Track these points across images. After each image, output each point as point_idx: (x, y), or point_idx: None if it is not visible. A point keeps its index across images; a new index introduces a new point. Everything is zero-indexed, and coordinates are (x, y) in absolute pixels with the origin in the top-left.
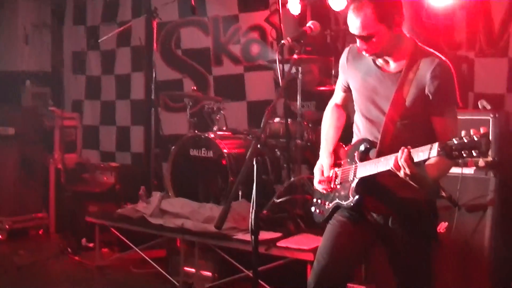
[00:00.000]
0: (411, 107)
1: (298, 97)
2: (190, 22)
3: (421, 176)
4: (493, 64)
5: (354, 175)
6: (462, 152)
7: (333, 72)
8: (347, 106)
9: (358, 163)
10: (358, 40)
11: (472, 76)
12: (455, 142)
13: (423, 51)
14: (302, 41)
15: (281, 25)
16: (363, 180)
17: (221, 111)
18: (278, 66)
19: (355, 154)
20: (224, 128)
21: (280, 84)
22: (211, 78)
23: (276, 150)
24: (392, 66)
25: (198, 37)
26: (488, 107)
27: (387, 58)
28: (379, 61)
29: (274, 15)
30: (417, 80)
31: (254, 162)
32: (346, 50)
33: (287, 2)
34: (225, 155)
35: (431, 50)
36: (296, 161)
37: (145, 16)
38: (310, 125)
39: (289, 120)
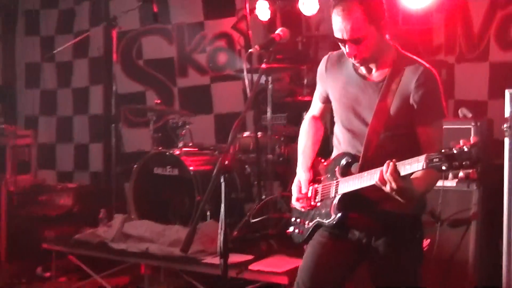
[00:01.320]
0: (395, 118)
1: (269, 109)
2: (152, 30)
3: (408, 190)
4: (474, 69)
5: (336, 192)
6: (452, 163)
7: (305, 81)
8: (325, 118)
9: (340, 179)
10: (346, 45)
11: (452, 83)
12: (444, 153)
13: (406, 59)
14: (271, 49)
15: (249, 32)
16: (346, 197)
17: (187, 126)
18: (246, 76)
19: (336, 169)
20: (190, 144)
21: (248, 95)
22: (175, 90)
23: (246, 166)
24: (375, 74)
25: (161, 46)
26: (469, 115)
27: (371, 65)
28: (361, 69)
29: (241, 21)
30: (401, 89)
31: (222, 180)
32: (325, 58)
33: (255, 8)
34: (192, 172)
35: (415, 57)
36: (268, 177)
37: (104, 25)
38: (281, 138)
39: (259, 133)
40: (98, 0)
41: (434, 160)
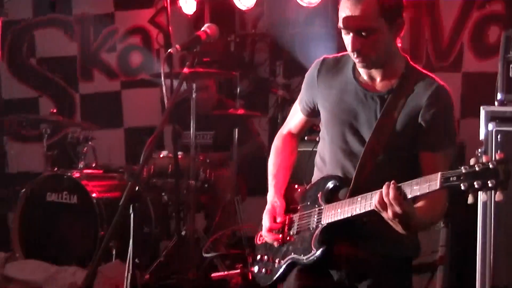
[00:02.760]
0: (399, 138)
1: (192, 124)
2: (48, 21)
3: (413, 217)
4: (444, 81)
5: (319, 221)
6: (474, 183)
7: (238, 90)
8: (302, 135)
9: (324, 206)
10: (350, 36)
11: None
12: (464, 171)
13: (418, 72)
14: (196, 50)
15: (170, 27)
16: (330, 228)
17: (90, 142)
18: (164, 82)
19: (319, 195)
20: (94, 165)
21: (166, 106)
22: (77, 97)
23: (163, 193)
24: (379, 84)
25: (59, 42)
26: None
27: (375, 73)
28: (363, 76)
29: (161, 14)
30: (409, 105)
31: (131, 210)
32: (318, 61)
33: None
34: (94, 200)
35: (427, 72)
36: (189, 208)
37: None
38: (207, 160)
39: (179, 153)
40: None
41: (452, 178)
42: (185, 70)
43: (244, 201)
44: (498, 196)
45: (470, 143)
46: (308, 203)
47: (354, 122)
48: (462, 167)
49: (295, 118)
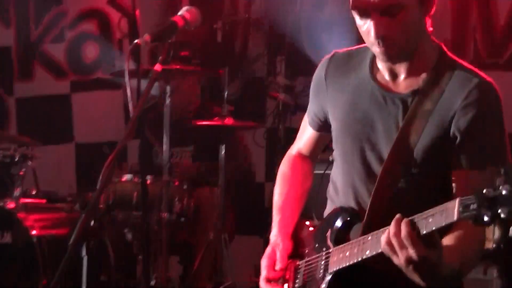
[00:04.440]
0: (425, 155)
1: (165, 137)
2: None
3: (435, 263)
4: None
5: (326, 269)
6: (498, 211)
7: (226, 94)
8: (317, 155)
9: (332, 248)
10: (372, 20)
11: None
12: (491, 194)
13: (454, 65)
14: (170, 40)
15: (137, 11)
16: (340, 276)
17: (29, 162)
18: (129, 83)
19: (328, 233)
20: (34, 192)
21: (131, 114)
22: (11, 101)
23: (126, 230)
24: (403, 83)
25: None
26: None
27: (399, 67)
28: (383, 75)
29: None
30: (439, 110)
31: (84, 251)
32: (326, 59)
33: None
34: (34, 239)
35: (467, 64)
36: (161, 249)
37: None
38: (184, 186)
39: (148, 177)
40: None
41: (472, 206)
42: (157, 67)
43: (232, 241)
44: None
45: None
46: (317, 245)
47: (371, 134)
48: (486, 189)
49: (304, 134)
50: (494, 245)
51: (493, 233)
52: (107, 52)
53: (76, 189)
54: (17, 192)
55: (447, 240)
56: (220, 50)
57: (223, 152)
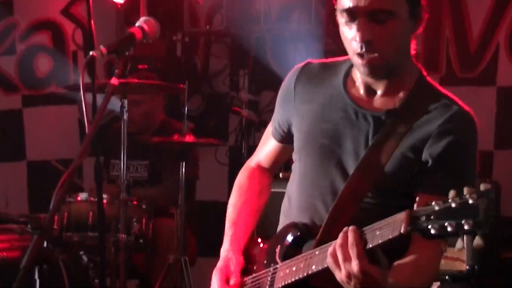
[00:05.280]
0: (393, 177)
1: (123, 154)
2: None
3: (378, 283)
4: (472, 98)
5: (271, 285)
6: (446, 224)
7: (186, 109)
8: (277, 168)
9: (279, 264)
10: (359, 22)
11: None
12: (437, 208)
13: (432, 91)
14: (128, 53)
15: (92, 22)
16: None
17: None
18: (83, 98)
19: (277, 249)
20: None
21: (87, 130)
22: None
23: (82, 253)
24: (378, 100)
25: None
26: None
27: (377, 83)
28: (358, 89)
29: (78, 2)
30: (414, 134)
31: (37, 275)
32: (299, 67)
33: None
34: None
35: (446, 92)
36: (118, 272)
37: None
38: (143, 205)
39: (104, 196)
40: None
41: (421, 218)
42: (114, 80)
43: (194, 264)
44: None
45: (507, 183)
46: (265, 261)
47: (337, 149)
48: (434, 202)
49: (266, 145)
50: (467, 267)
51: (469, 256)
52: (60, 65)
53: (28, 209)
54: None
55: (401, 261)
56: (180, 63)
57: (183, 169)
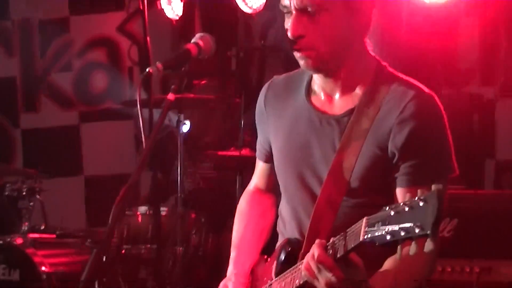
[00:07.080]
0: (364, 178)
1: (179, 169)
2: None
3: (360, 283)
4: None
5: None
6: (399, 229)
7: (242, 122)
8: (275, 187)
9: (274, 279)
10: (292, 17)
11: (492, 132)
12: (392, 213)
13: (391, 79)
14: (184, 69)
15: (148, 38)
16: None
17: (37, 195)
18: (140, 113)
19: (273, 265)
20: (43, 227)
21: (144, 145)
22: (17, 133)
23: (140, 266)
24: (338, 103)
25: None
26: None
27: (332, 85)
28: (319, 96)
29: (134, 20)
30: (376, 128)
31: None
32: (265, 86)
33: None
34: (44, 276)
35: (405, 77)
36: (177, 286)
37: None
38: (202, 219)
39: (163, 209)
40: None
41: (376, 225)
42: (170, 96)
43: None
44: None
45: None
46: (265, 278)
47: (310, 159)
48: (387, 207)
49: (257, 168)
50: None
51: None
52: (116, 81)
53: (86, 224)
54: (25, 226)
55: (385, 265)
56: (235, 78)
57: (240, 181)
